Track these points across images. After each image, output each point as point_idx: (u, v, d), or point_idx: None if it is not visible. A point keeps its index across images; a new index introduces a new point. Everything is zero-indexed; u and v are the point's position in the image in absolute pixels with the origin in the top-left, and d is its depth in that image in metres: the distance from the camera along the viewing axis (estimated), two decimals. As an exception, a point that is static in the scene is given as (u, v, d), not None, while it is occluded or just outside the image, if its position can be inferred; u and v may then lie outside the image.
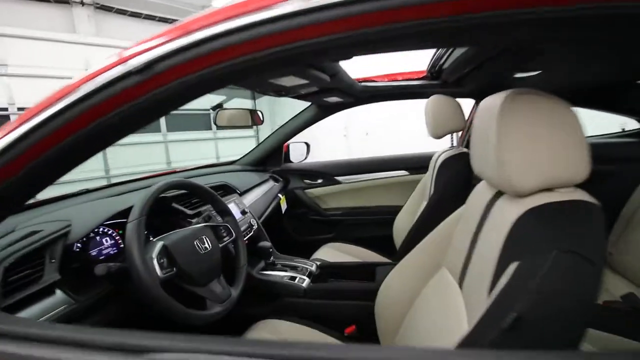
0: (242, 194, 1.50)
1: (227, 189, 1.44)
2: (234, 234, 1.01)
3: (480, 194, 0.72)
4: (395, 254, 1.69)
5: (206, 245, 0.87)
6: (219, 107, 1.44)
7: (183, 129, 6.22)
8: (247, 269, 1.18)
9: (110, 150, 5.18)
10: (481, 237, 0.65)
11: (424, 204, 1.52)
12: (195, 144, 6.30)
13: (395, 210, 1.79)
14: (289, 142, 2.11)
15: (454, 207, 1.38)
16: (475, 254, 0.65)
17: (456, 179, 1.29)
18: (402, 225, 1.66)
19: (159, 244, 0.76)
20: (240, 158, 2.01)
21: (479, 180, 0.75)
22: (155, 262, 0.71)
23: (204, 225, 0.93)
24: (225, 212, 1.03)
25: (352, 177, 2.00)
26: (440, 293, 0.77)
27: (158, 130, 5.87)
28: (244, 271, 0.99)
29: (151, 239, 0.80)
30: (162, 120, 5.92)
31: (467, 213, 0.78)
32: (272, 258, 1.28)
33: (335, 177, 2.00)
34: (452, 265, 0.77)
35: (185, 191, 1.04)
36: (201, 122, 6.57)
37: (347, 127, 6.04)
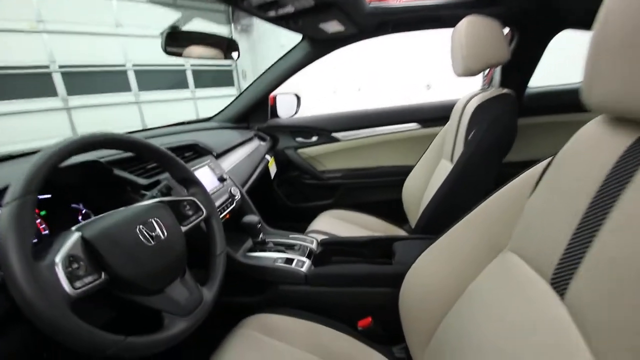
0: (219, 156, 1.18)
1: (198, 150, 1.12)
2: (204, 211, 0.71)
3: (595, 144, 0.43)
4: (406, 222, 1.45)
5: (158, 232, 0.57)
6: (174, 29, 1.05)
7: (157, 87, 5.62)
8: (230, 252, 0.91)
9: (75, 113, 4.66)
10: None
11: (444, 163, 1.24)
12: (172, 105, 5.75)
13: (404, 171, 1.51)
14: (275, 93, 1.76)
15: (494, 166, 1.12)
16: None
17: (499, 129, 0.99)
18: (413, 189, 1.40)
19: (73, 238, 0.46)
20: (217, 114, 1.66)
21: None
22: (59, 269, 0.42)
23: (156, 203, 0.63)
24: (190, 182, 0.72)
25: (352, 132, 1.68)
26: (513, 288, 0.51)
27: (128, 89, 5.26)
28: (223, 260, 0.71)
29: (72, 229, 0.50)
30: (132, 77, 5.30)
31: (559, 175, 0.49)
32: (261, 235, 1.01)
33: (333, 134, 1.68)
34: (531, 252, 0.50)
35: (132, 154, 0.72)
36: (177, 79, 5.95)
37: (337, 82, 5.57)
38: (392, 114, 1.66)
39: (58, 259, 0.43)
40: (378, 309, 0.88)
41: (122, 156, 0.82)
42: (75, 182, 0.74)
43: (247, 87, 1.61)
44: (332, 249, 1.08)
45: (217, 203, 0.97)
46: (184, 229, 0.65)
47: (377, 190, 1.70)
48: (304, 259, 0.96)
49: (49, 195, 0.73)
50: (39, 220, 0.66)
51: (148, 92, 5.53)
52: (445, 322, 0.64)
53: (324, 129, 1.68)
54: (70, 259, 0.44)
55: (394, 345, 0.86)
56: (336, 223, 1.41)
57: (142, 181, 0.81)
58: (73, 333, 0.40)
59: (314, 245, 1.05)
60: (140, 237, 0.54)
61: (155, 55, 5.09)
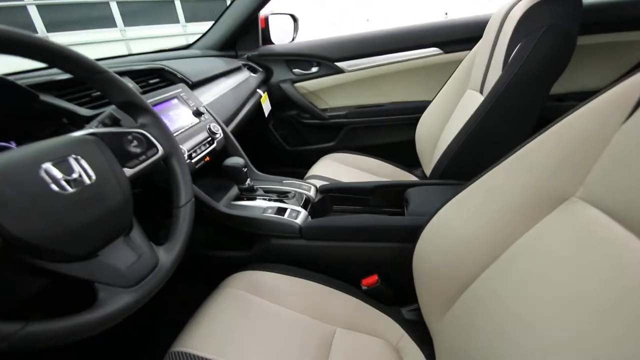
0: (195, 85, 0.97)
1: (166, 77, 0.90)
2: (159, 149, 0.53)
3: None
4: (418, 167, 1.26)
5: (80, 174, 0.40)
6: None
7: (145, 22, 5.06)
8: (208, 201, 0.75)
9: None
10: None
11: (471, 95, 1.01)
12: (162, 42, 5.25)
13: (420, 107, 1.28)
14: (266, 14, 1.46)
15: (541, 96, 0.89)
16: None
17: (556, 42, 0.76)
18: (430, 128, 1.19)
19: None
20: (197, 40, 1.39)
21: None
22: None
23: (82, 135, 0.44)
24: (137, 108, 0.53)
25: (359, 61, 1.41)
26: (587, 250, 0.35)
27: (113, 24, 4.75)
28: (189, 213, 0.55)
29: None
30: (116, 11, 4.75)
31: None
32: (248, 181, 0.84)
33: (336, 63, 1.42)
34: (616, 202, 0.33)
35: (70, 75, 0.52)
36: (165, 13, 5.33)
37: (343, 14, 4.95)
38: (408, 36, 1.37)
39: None
40: (386, 267, 0.75)
41: (57, 79, 0.62)
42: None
43: (229, 7, 1.32)
44: (333, 197, 0.92)
45: (192, 143, 0.79)
46: (129, 171, 0.48)
47: (387, 131, 1.49)
48: (298, 208, 0.80)
49: None
50: None
51: (135, 28, 5.02)
52: (475, 287, 0.49)
53: (325, 58, 1.41)
54: None
55: (403, 306, 0.74)
56: (339, 167, 1.24)
57: (84, 112, 0.62)
58: None
59: (311, 193, 0.89)
60: (49, 181, 0.37)
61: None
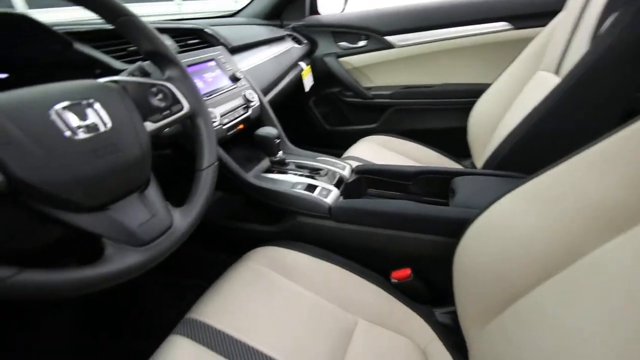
0: (233, 50, 0.93)
1: (205, 39, 0.87)
2: (184, 106, 0.49)
3: None
4: (468, 157, 1.13)
5: (95, 120, 0.37)
6: None
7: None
8: (236, 169, 0.71)
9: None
10: None
11: (543, 77, 0.87)
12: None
13: (475, 91, 1.14)
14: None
15: (635, 77, 0.73)
16: None
17: None
18: (487, 114, 1.05)
19: None
20: (243, 8, 1.34)
21: None
22: None
23: (102, 82, 0.41)
24: (164, 59, 0.50)
25: (413, 36, 1.28)
26: None
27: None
28: (210, 177, 0.51)
29: None
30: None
31: None
32: (280, 153, 0.79)
33: (386, 37, 1.30)
34: None
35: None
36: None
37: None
38: (472, 8, 1.21)
39: None
40: (422, 261, 0.67)
41: (92, 29, 0.61)
42: (31, 61, 0.56)
43: None
44: (369, 180, 0.84)
45: (226, 107, 0.76)
46: (151, 126, 0.45)
47: (436, 115, 1.36)
48: (330, 186, 0.74)
49: (4, 75, 0.55)
50: None
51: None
52: (531, 299, 0.40)
53: (375, 30, 1.30)
54: None
55: (437, 307, 0.66)
56: (379, 150, 1.15)
57: (118, 65, 0.60)
58: None
59: (345, 172, 0.82)
60: (57, 123, 0.34)
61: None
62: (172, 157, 0.68)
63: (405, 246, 0.67)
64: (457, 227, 0.52)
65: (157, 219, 0.42)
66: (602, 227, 0.33)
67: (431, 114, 1.36)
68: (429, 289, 0.66)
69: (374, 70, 1.38)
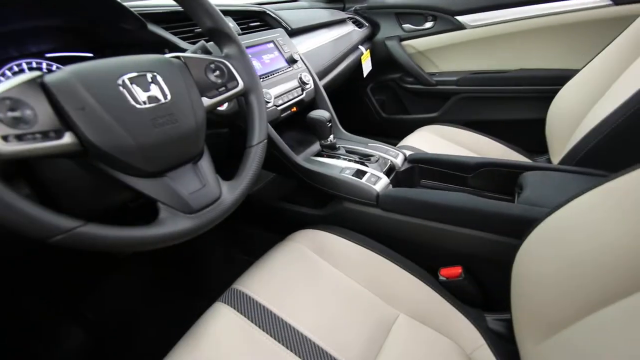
0: (293, 33, 0.93)
1: (266, 21, 0.88)
2: (239, 82, 0.51)
3: None
4: (544, 152, 1.00)
5: (156, 92, 0.40)
6: None
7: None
8: (286, 151, 0.72)
9: None
10: None
11: None
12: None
13: (558, 78, 0.99)
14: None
15: None
16: None
17: None
18: (572, 105, 0.90)
19: (20, 78, 0.32)
20: (309, -9, 1.34)
21: None
22: None
23: (165, 57, 0.44)
24: (223, 36, 0.51)
25: (488, 15, 1.15)
26: None
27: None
28: (259, 154, 0.52)
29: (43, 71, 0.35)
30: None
31: None
32: (330, 137, 0.78)
33: (457, 17, 1.19)
34: None
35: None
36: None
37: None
38: None
39: None
40: (475, 260, 0.61)
41: (164, 10, 0.65)
42: (110, 40, 0.62)
43: None
44: (424, 170, 0.79)
45: (281, 89, 0.77)
46: (208, 101, 0.47)
47: (509, 105, 1.21)
48: (379, 174, 0.71)
49: (90, 54, 0.63)
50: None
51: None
52: (607, 317, 0.34)
53: (444, 10, 1.20)
54: (6, 103, 0.30)
55: (488, 313, 0.60)
56: (438, 141, 1.07)
57: (185, 45, 0.64)
58: None
59: (397, 160, 0.78)
60: (124, 93, 0.37)
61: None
62: (229, 136, 0.72)
63: (457, 243, 0.62)
64: (521, 227, 0.46)
65: (207, 189, 0.44)
66: None
67: (503, 103, 1.22)
68: (480, 291, 0.61)
69: (440, 54, 1.28)
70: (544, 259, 0.42)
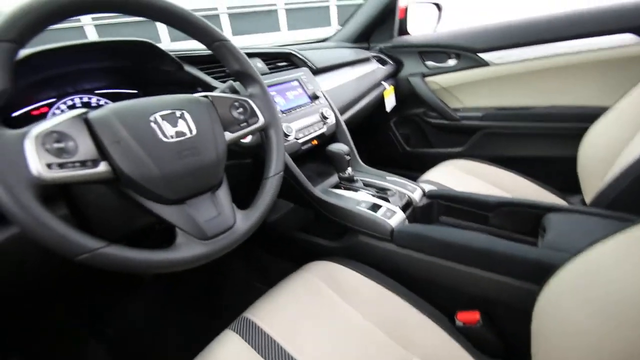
0: (318, 72, 0.99)
1: (293, 62, 0.95)
2: (259, 119, 0.55)
3: None
4: (575, 192, 0.95)
5: (183, 127, 0.44)
6: None
7: (305, 26, 5.73)
8: (305, 182, 0.75)
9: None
10: None
11: None
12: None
13: (588, 115, 0.96)
14: (407, 3, 1.37)
15: None
16: None
17: None
18: (604, 142, 0.86)
19: (68, 114, 0.37)
20: (335, 33, 1.42)
21: None
22: (30, 143, 0.33)
23: (193, 96, 0.49)
24: (248, 77, 0.56)
25: (512, 52, 1.16)
26: None
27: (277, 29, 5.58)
28: (275, 185, 0.54)
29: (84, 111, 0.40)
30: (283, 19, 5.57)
31: None
32: (349, 170, 0.80)
33: (480, 55, 1.21)
34: None
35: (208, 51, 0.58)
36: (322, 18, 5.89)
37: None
38: (587, 18, 1.03)
39: (35, 131, 0.34)
40: (494, 306, 0.58)
41: (199, 54, 0.73)
42: (153, 79, 0.70)
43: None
44: (442, 206, 0.78)
45: (302, 123, 0.81)
46: (230, 135, 0.51)
47: (537, 141, 1.18)
48: (395, 208, 0.71)
49: (135, 91, 0.71)
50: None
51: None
52: None
53: (467, 48, 1.22)
54: (54, 135, 0.34)
55: None
56: (462, 176, 1.05)
57: (216, 83, 0.70)
58: (30, 225, 0.31)
59: (415, 195, 0.77)
60: (155, 128, 0.42)
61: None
62: (252, 166, 0.76)
63: (474, 285, 0.59)
64: (542, 272, 0.44)
65: (222, 218, 0.46)
66: None
67: (530, 139, 1.19)
68: (500, 339, 0.57)
69: (464, 90, 1.29)
70: (567, 307, 0.40)
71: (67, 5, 0.37)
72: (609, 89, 1.01)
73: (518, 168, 1.06)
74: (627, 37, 0.99)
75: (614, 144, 0.81)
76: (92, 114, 0.39)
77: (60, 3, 0.36)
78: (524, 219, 0.67)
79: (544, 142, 1.16)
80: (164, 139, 0.42)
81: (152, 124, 0.42)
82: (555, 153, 1.13)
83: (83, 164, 0.36)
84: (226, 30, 5.64)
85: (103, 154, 0.38)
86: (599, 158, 0.85)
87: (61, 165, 0.34)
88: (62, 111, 0.61)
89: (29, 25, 0.34)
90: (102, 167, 0.38)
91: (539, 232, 0.62)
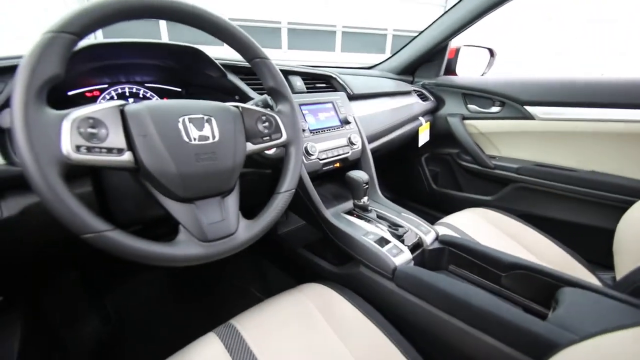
0: (354, 97, 1.00)
1: (332, 85, 0.97)
2: (283, 135, 0.57)
3: None
4: (608, 268, 0.87)
5: (207, 132, 0.47)
6: None
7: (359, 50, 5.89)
8: (317, 203, 0.75)
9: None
10: None
11: None
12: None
13: (632, 188, 0.88)
14: (460, 45, 1.37)
15: None
16: None
17: None
18: None
19: (108, 104, 0.41)
20: (380, 62, 1.45)
21: None
22: (67, 125, 0.37)
23: (223, 104, 0.52)
24: (279, 94, 0.58)
25: (559, 110, 1.11)
26: None
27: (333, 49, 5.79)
28: (284, 201, 0.55)
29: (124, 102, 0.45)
30: (339, 41, 5.81)
31: None
32: (365, 199, 0.80)
33: (527, 107, 1.17)
34: None
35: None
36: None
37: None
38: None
39: (74, 114, 0.38)
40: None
41: (242, 65, 0.77)
42: (197, 81, 0.75)
43: (420, 34, 1.31)
44: (454, 255, 0.75)
45: (328, 145, 0.82)
46: (252, 146, 0.53)
47: (573, 206, 1.10)
48: (402, 247, 0.69)
49: (179, 89, 0.77)
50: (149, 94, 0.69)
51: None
52: None
53: (514, 98, 1.18)
54: (90, 121, 0.38)
55: None
56: (483, 226, 1.00)
57: (253, 94, 0.74)
58: (48, 198, 0.35)
59: (428, 238, 0.75)
60: (181, 129, 0.45)
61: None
62: (271, 177, 0.78)
63: (470, 346, 0.55)
64: (545, 349, 0.40)
65: (225, 223, 0.48)
66: None
67: (566, 202, 1.11)
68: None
69: (503, 139, 1.25)
70: None
71: (126, 9, 0.41)
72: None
73: (548, 230, 0.99)
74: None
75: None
76: (129, 107, 0.42)
77: (120, 6, 0.41)
78: (538, 288, 0.62)
79: (580, 207, 1.08)
80: (187, 140, 0.45)
81: (179, 125, 0.45)
82: (591, 222, 1.05)
83: (109, 150, 0.39)
84: (283, 43, 5.92)
85: (130, 144, 0.41)
86: (638, 238, 0.78)
87: (89, 149, 0.38)
88: (112, 97, 0.67)
89: (91, 22, 0.39)
90: (126, 156, 0.41)
91: (552, 304, 0.57)
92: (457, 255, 0.74)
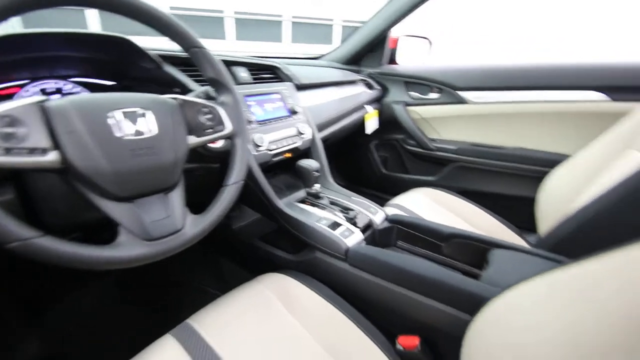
0: (301, 87, 1.01)
1: (278, 75, 0.97)
2: (226, 127, 0.56)
3: None
4: (533, 231, 0.99)
5: (143, 126, 0.45)
6: None
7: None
8: (269, 194, 0.76)
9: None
10: None
11: (632, 155, 0.73)
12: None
13: (550, 160, 1.02)
14: (400, 35, 1.44)
15: None
16: None
17: None
18: (561, 189, 0.92)
19: (24, 101, 0.37)
20: (327, 53, 1.47)
21: None
22: None
23: (160, 96, 0.50)
24: (221, 85, 0.57)
25: (490, 94, 1.22)
26: None
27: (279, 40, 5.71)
28: (232, 194, 0.55)
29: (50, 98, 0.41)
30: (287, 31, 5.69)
31: None
32: (316, 186, 0.82)
33: (460, 93, 1.27)
34: None
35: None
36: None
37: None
38: (563, 73, 1.11)
39: None
40: (433, 332, 0.60)
41: (181, 56, 0.74)
42: (132, 74, 0.71)
43: (364, 24, 1.35)
44: (401, 231, 0.80)
45: (277, 135, 0.83)
46: (194, 139, 0.52)
47: (503, 179, 1.23)
48: (353, 228, 0.72)
49: (112, 82, 0.71)
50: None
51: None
52: None
53: (449, 84, 1.28)
54: (5, 120, 0.35)
55: None
56: (428, 204, 1.08)
57: (194, 86, 0.72)
58: None
59: (377, 218, 0.80)
60: (111, 124, 0.42)
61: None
62: (219, 171, 0.76)
63: (418, 311, 0.61)
64: (477, 304, 0.46)
65: (170, 220, 0.47)
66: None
67: (498, 176, 1.24)
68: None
69: (442, 122, 1.35)
70: (488, 340, 0.42)
71: None
72: (572, 140, 1.08)
73: (484, 203, 1.10)
74: (595, 95, 1.07)
75: (568, 191, 0.86)
76: (51, 103, 0.39)
77: None
78: (472, 252, 0.70)
79: (509, 180, 1.21)
80: (119, 135, 0.43)
81: (109, 120, 0.42)
82: (518, 192, 1.18)
83: (32, 151, 0.36)
84: (230, 34, 5.70)
85: (55, 143, 0.38)
86: (555, 203, 0.90)
87: (7, 150, 0.34)
88: (32, 94, 0.61)
89: (1, 9, 0.35)
90: (52, 156, 0.38)
91: (483, 266, 0.65)
92: (404, 232, 0.79)
